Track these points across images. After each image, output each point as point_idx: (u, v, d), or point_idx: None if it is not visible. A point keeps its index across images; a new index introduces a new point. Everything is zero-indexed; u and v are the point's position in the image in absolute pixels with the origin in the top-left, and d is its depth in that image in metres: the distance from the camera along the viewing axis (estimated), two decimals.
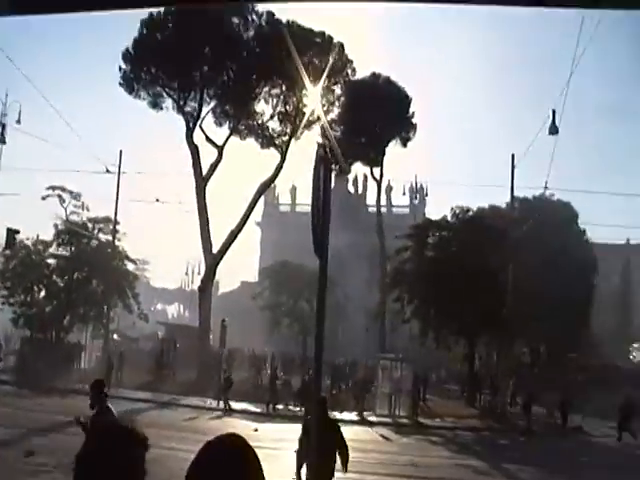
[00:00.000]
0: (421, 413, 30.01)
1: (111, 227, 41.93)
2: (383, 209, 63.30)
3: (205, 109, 40.85)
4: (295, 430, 13.34)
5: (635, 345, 69.23)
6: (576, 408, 32.63)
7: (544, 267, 43.28)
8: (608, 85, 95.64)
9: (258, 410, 28.73)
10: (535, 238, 41.03)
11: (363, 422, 27.27)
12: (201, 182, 40.17)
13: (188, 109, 40.59)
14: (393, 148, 48.49)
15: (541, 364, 33.40)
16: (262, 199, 67.47)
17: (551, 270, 49.45)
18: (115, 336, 48.93)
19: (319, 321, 6.49)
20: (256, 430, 21.42)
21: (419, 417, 29.25)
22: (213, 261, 39.88)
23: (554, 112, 28.23)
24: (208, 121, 41.43)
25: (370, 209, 74.64)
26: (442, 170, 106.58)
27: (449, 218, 39.71)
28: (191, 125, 40.38)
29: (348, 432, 23.54)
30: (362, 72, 45.41)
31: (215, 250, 40.07)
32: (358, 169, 61.89)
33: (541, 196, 63.01)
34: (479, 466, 18.63)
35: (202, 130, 40.84)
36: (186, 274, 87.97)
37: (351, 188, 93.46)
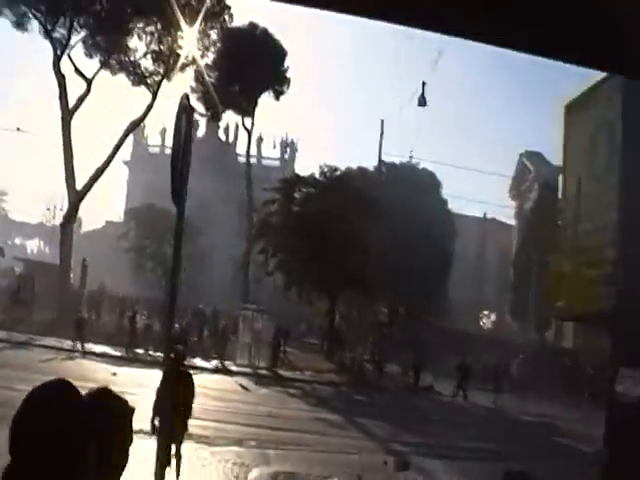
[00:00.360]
0: (281, 365, 30.21)
1: None
2: (253, 160, 62.64)
3: (75, 38, 38.31)
4: (155, 376, 12.89)
5: (485, 312, 73.42)
6: (428, 369, 34.12)
7: (405, 231, 44.57)
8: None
9: (118, 353, 27.82)
10: (399, 203, 42.02)
11: (223, 371, 27.08)
12: (67, 114, 37.95)
13: (56, 35, 37.81)
14: (266, 100, 48.11)
15: (399, 325, 34.39)
16: (131, 139, 65.16)
17: (412, 235, 51.15)
18: None
19: (175, 269, 6.08)
20: (114, 374, 20.69)
21: (279, 369, 29.43)
22: (76, 197, 38.03)
23: (424, 84, 28.74)
24: (78, 52, 38.93)
25: (240, 159, 73.69)
26: (314, 129, 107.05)
27: (317, 176, 39.82)
28: (59, 53, 37.78)
29: (208, 381, 23.55)
30: (240, 21, 44.59)
31: (79, 186, 38.27)
32: (230, 118, 60.96)
33: (407, 163, 65.00)
34: (335, 420, 18.87)
35: (71, 60, 38.41)
36: (48, 209, 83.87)
37: (222, 136, 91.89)
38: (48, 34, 37.65)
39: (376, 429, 18.06)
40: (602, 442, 8.56)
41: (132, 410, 2.25)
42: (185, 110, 5.52)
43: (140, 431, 12.74)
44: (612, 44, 1.66)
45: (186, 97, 5.72)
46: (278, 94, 47.84)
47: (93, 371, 20.89)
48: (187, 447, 12.41)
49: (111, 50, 38.87)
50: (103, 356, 26.53)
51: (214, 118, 51.09)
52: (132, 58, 39.83)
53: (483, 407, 26.00)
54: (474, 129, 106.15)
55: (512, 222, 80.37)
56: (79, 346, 27.19)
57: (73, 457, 1.83)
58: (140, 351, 28.56)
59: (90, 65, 39.54)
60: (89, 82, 38.69)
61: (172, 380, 9.42)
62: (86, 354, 26.26)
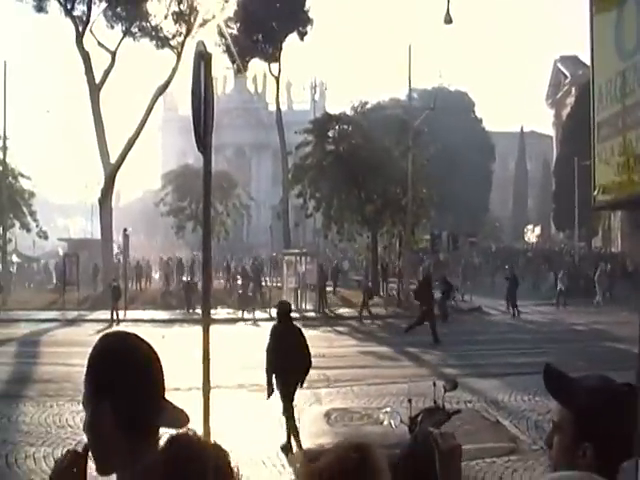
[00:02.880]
0: (328, 305, 30.39)
1: (0, 143, 39.40)
2: (284, 107, 62.27)
3: (95, 12, 38.35)
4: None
5: (529, 227, 72.47)
6: (476, 289, 33.96)
7: (443, 155, 43.88)
8: None
9: (166, 317, 28.34)
10: (434, 127, 41.27)
11: (272, 319, 27.28)
12: (95, 89, 38.13)
13: (77, 13, 38.03)
14: (292, 44, 47.60)
15: (443, 250, 34.13)
16: (161, 103, 65.13)
17: (449, 158, 50.43)
18: (14, 257, 47.01)
19: (206, 219, 5.98)
20: (163, 337, 21.07)
21: (326, 309, 29.62)
22: (112, 170, 38.34)
23: (448, 0, 27.70)
24: (99, 25, 39.05)
25: (271, 107, 73.23)
26: (342, 67, 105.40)
27: (348, 112, 39.29)
28: (81, 30, 37.77)
29: (257, 329, 23.90)
30: None
31: (113, 160, 38.55)
32: (257, 67, 60.45)
33: (439, 87, 63.72)
34: (384, 352, 18.99)
35: (93, 34, 38.45)
36: (86, 187, 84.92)
37: (251, 87, 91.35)
38: (69, 13, 37.69)
39: (426, 356, 18.14)
40: None
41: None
42: (201, 56, 5.43)
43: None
44: None
45: (202, 43, 5.62)
46: (302, 35, 47.22)
47: (143, 336, 21.26)
48: (242, 396, 12.71)
49: (132, 18, 38.62)
50: (151, 321, 26.94)
51: (240, 70, 50.60)
52: (153, 23, 39.52)
53: (532, 321, 25.82)
54: (505, 42, 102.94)
55: (551, 132, 78.55)
56: (120, 314, 27.51)
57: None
58: (191, 310, 29.04)
59: (111, 36, 39.57)
60: (113, 54, 38.69)
61: (280, 335, 9.61)
62: (134, 321, 26.63)
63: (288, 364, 9.41)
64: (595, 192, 4.08)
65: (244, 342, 20.11)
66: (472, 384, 13.30)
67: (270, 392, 9.61)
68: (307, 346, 9.64)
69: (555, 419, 1.90)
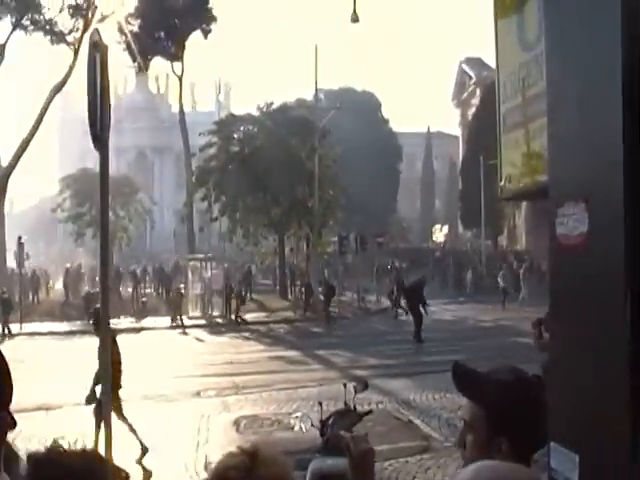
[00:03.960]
0: (234, 310, 30.14)
1: None
2: (187, 108, 61.38)
3: None
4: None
5: (437, 226, 74.23)
6: (385, 290, 34.42)
7: (350, 155, 44.37)
8: None
9: (67, 328, 27.33)
10: (340, 127, 41.69)
11: (177, 326, 26.91)
12: None
13: None
14: (196, 43, 46.83)
15: (350, 252, 34.42)
16: (59, 103, 62.88)
17: (356, 158, 51.06)
18: None
19: (103, 224, 5.73)
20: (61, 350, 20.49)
21: (232, 315, 29.36)
22: (3, 175, 36.64)
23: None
24: None
25: (174, 108, 72.05)
26: (247, 69, 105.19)
27: (254, 112, 39.14)
28: None
29: (163, 338, 23.44)
30: None
31: (5, 163, 36.90)
32: (159, 67, 59.35)
33: (346, 87, 64.49)
34: (292, 356, 19.05)
35: None
36: None
37: (153, 87, 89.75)
38: None
39: (335, 358, 18.27)
40: None
41: None
42: (96, 46, 5.16)
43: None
44: None
45: (97, 32, 5.34)
46: (206, 33, 46.42)
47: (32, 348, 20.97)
48: (147, 406, 12.39)
49: (23, 9, 36.56)
50: (49, 334, 25.77)
51: (142, 69, 49.36)
52: (47, 16, 37.74)
53: (442, 320, 26.41)
54: (411, 43, 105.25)
55: (458, 133, 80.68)
56: (15, 328, 26.29)
57: None
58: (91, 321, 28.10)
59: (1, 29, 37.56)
60: (2, 47, 36.90)
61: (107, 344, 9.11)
62: (29, 334, 25.50)
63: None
64: (502, 182, 4.13)
65: (145, 351, 19.67)
66: (383, 385, 13.41)
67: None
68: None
69: (466, 417, 1.86)
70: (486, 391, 1.81)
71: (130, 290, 37.19)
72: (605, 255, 1.71)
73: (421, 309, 21.22)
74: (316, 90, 36.21)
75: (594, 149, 1.81)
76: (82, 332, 25.63)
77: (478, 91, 61.71)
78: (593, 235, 1.77)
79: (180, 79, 48.96)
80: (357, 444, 2.06)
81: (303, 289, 31.40)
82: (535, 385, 1.86)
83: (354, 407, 5.52)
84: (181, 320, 27.06)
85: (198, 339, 24.12)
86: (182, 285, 30.27)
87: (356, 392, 5.50)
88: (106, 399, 5.80)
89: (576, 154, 1.91)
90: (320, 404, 5.34)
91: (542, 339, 7.99)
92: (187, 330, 26.11)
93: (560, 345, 2.01)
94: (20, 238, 29.74)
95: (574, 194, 1.86)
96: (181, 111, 48.70)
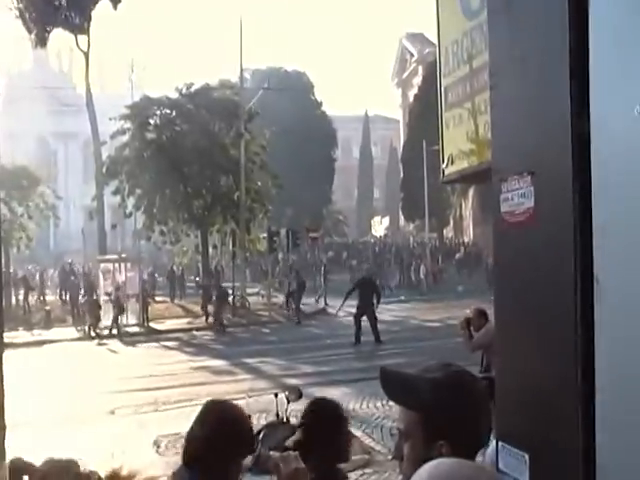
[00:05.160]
0: (153, 316, 29.84)
1: None
2: (95, 89, 59.99)
3: None
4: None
5: (376, 218, 74.81)
6: (321, 290, 34.60)
7: (280, 141, 44.32)
8: None
9: None
10: (269, 110, 41.57)
11: (87, 337, 26.50)
12: None
13: None
14: (103, 15, 45.73)
15: (280, 249, 34.43)
16: None
17: (288, 144, 51.05)
18: None
19: None
20: None
21: (150, 322, 29.07)
22: None
23: None
24: None
25: (79, 89, 70.37)
26: (164, 44, 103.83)
27: (172, 95, 38.64)
28: None
29: (70, 351, 23.02)
30: None
31: None
32: (62, 40, 57.69)
33: (275, 67, 64.38)
34: (218, 365, 19.04)
35: None
36: None
37: (54, 64, 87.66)
38: None
39: (265, 366, 18.33)
40: None
41: None
42: None
43: None
44: None
45: None
46: (116, 3, 45.27)
47: None
48: (52, 429, 12.10)
49: None
50: None
51: (40, 42, 47.73)
52: None
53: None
54: (347, 17, 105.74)
55: (398, 116, 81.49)
56: None
57: None
58: None
59: None
60: None
61: None
62: None
63: None
64: (444, 164, 4.16)
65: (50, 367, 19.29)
66: (319, 393, 13.40)
67: None
68: None
69: (401, 427, 1.85)
70: (417, 393, 1.80)
71: (32, 297, 36.33)
72: (553, 230, 1.72)
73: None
74: (241, 69, 36.05)
75: (539, 118, 1.83)
76: None
77: (420, 69, 62.58)
78: (540, 209, 1.79)
79: (86, 55, 47.71)
80: (287, 464, 2.04)
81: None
82: (471, 379, 1.86)
83: (287, 419, 5.51)
84: (94, 330, 26.62)
85: (112, 350, 23.78)
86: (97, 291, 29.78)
87: (289, 402, 5.50)
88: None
89: (520, 123, 1.92)
90: (249, 417, 5.30)
91: (472, 339, 8.19)
92: (99, 341, 25.71)
93: (505, 332, 2.02)
94: None
95: (519, 167, 1.88)
96: (88, 92, 47.56)
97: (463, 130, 3.98)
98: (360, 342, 20.84)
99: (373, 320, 21.12)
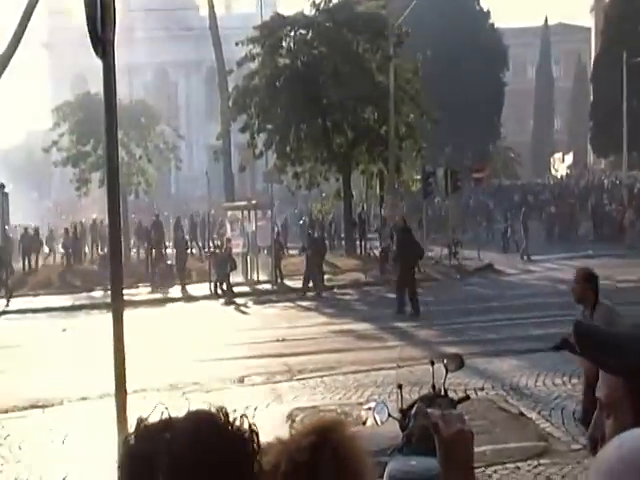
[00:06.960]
0: (287, 272, 30.31)
1: None
2: (220, 9, 61.06)
3: None
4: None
5: (557, 155, 72.54)
6: (485, 242, 34.22)
7: (437, 64, 43.66)
8: None
9: (70, 303, 27.94)
10: (423, 26, 40.96)
11: (214, 295, 27.32)
12: None
13: None
14: None
15: (439, 191, 34.03)
16: (44, 7, 63.30)
17: (446, 67, 50.22)
18: None
19: (111, 167, 5.77)
20: (64, 330, 20.97)
21: (284, 278, 29.55)
22: None
23: None
24: None
25: (202, 11, 71.63)
26: None
27: (307, 11, 38.66)
28: None
29: (197, 311, 23.91)
30: None
31: None
32: None
33: None
34: (363, 329, 19.16)
35: None
36: None
37: None
38: None
39: (419, 331, 18.32)
40: None
41: None
42: None
43: None
44: None
45: None
46: None
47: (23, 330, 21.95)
48: (173, 397, 12.58)
49: None
50: (46, 310, 26.28)
51: None
52: None
53: (563, 280, 26.10)
54: None
55: (588, 23, 78.60)
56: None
57: None
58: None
59: None
60: None
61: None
62: (20, 312, 26.26)
63: None
64: None
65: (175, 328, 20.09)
66: (484, 365, 13.35)
67: None
68: None
69: (603, 397, 1.70)
70: (626, 354, 1.65)
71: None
72: None
73: None
74: None
75: None
76: (89, 307, 26.38)
77: None
78: None
79: None
80: (449, 424, 1.94)
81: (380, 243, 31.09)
82: None
83: (445, 392, 5.42)
84: (228, 287, 27.27)
85: (242, 311, 24.48)
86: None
87: (448, 372, 5.40)
88: (120, 390, 5.82)
89: None
90: (400, 387, 5.26)
91: None
92: (227, 300, 26.49)
93: None
94: (3, 187, 30.14)
95: None
96: (212, 13, 48.44)
97: None
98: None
99: None
